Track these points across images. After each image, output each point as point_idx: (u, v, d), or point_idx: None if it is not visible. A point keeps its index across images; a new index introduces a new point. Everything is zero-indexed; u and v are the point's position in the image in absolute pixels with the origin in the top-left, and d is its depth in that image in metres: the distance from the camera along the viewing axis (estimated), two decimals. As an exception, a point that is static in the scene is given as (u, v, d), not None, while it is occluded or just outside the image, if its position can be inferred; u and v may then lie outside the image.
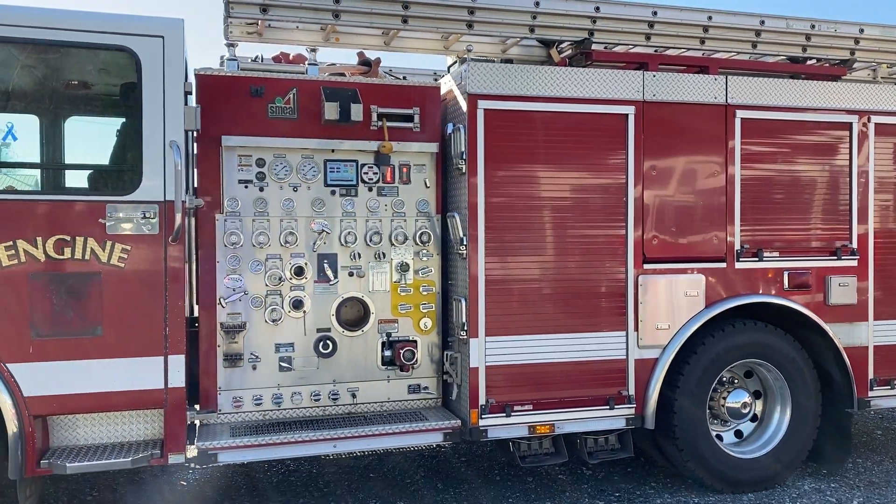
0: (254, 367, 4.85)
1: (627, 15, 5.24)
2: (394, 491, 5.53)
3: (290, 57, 5.67)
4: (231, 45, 4.92)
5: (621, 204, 5.17)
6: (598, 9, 5.13)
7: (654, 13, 5.29)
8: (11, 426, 4.08)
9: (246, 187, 4.84)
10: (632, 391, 5.21)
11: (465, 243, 4.90)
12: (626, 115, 5.17)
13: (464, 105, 4.90)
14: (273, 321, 4.86)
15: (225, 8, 4.54)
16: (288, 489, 5.60)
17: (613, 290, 5.18)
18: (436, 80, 5.91)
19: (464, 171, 4.90)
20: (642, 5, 5.27)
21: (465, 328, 4.91)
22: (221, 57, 5.55)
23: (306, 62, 5.36)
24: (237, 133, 4.76)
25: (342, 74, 5.25)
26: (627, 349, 5.22)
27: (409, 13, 4.80)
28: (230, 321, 4.80)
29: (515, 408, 4.98)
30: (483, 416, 4.92)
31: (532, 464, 5.18)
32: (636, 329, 5.20)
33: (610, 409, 5.17)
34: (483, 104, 4.88)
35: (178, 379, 4.39)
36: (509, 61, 5.61)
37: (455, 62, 5.56)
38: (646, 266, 5.22)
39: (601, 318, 5.16)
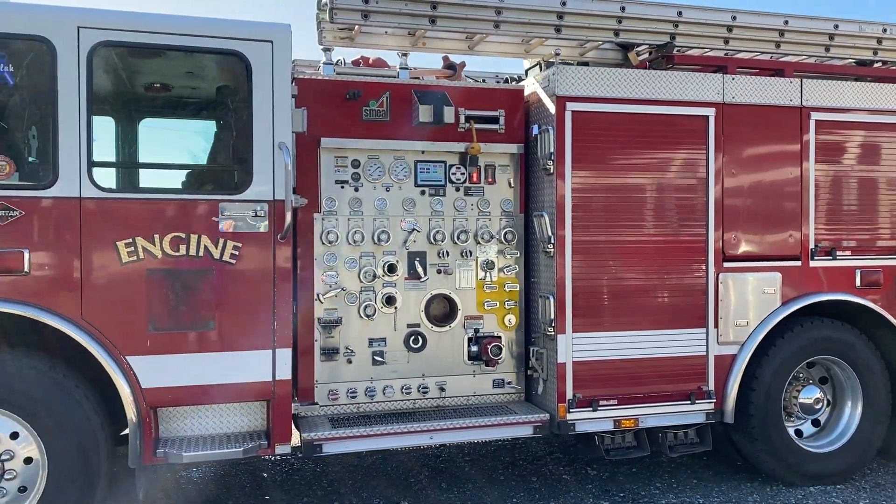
0: (349, 361, 5.00)
1: (708, 19, 5.37)
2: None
3: (370, 61, 5.81)
4: (327, 50, 5.08)
5: (702, 204, 5.31)
6: (680, 13, 5.27)
7: (734, 17, 5.42)
8: (131, 416, 4.23)
9: (342, 187, 5.00)
10: (711, 386, 5.34)
11: (552, 242, 5.04)
12: (707, 116, 5.30)
13: (551, 107, 5.05)
14: (367, 316, 5.01)
15: (328, 13, 4.69)
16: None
17: (694, 287, 5.31)
18: (498, 81, 6.07)
19: (552, 171, 5.04)
20: (722, 10, 5.40)
21: (553, 325, 5.04)
22: (293, 61, 5.71)
23: (390, 66, 5.54)
24: (333, 135, 4.92)
25: (417, 78, 5.39)
26: (707, 346, 5.34)
27: (501, 18, 4.95)
28: (327, 316, 4.96)
29: (601, 402, 5.11)
30: (570, 411, 5.05)
31: (616, 457, 5.31)
32: (716, 326, 5.32)
33: (691, 403, 5.30)
34: (571, 106, 5.02)
35: (284, 372, 4.54)
36: (585, 64, 5.74)
37: (535, 65, 5.68)
38: (725, 264, 5.35)
39: (682, 316, 5.29)
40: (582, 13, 5.07)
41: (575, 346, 5.08)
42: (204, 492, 5.56)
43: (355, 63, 5.75)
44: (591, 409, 5.09)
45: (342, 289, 4.96)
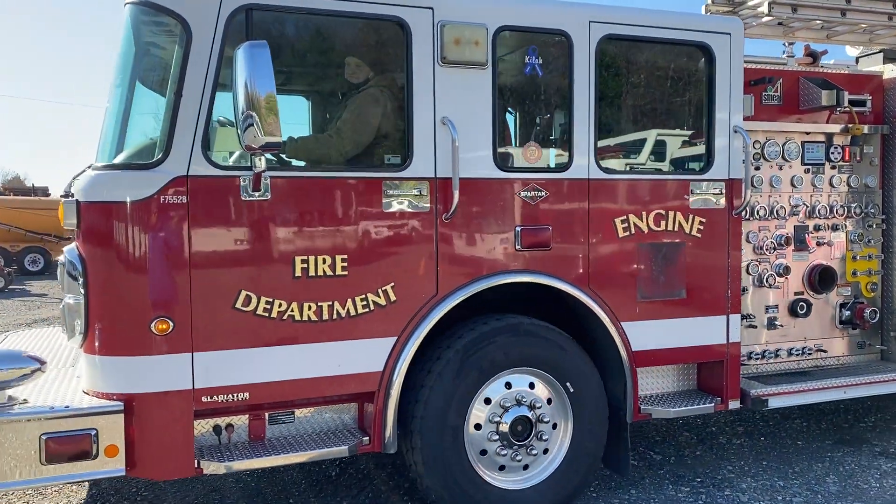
0: (751, 326, 5.47)
1: None
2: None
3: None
4: (732, 40, 5.48)
5: None
6: None
7: None
8: (628, 376, 4.68)
9: (746, 167, 5.45)
10: None
11: (938, 213, 5.55)
12: None
13: (931, 90, 5.54)
14: (767, 285, 5.49)
15: (767, 6, 5.10)
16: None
17: None
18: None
19: (937, 149, 5.55)
20: None
21: (932, 289, 5.57)
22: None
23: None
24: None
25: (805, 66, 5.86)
26: None
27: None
28: (734, 285, 5.42)
29: (972, 358, 5.67)
30: (947, 367, 5.61)
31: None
32: None
33: None
34: (952, 89, 5.52)
35: (736, 335, 5.01)
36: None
37: (871, 52, 6.14)
38: None
39: None
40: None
41: (950, 308, 5.62)
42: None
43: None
44: (964, 364, 5.64)
45: (752, 261, 5.42)
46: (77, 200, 3.78)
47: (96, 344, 3.81)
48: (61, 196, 4.22)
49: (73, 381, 4.17)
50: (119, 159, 3.97)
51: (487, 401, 4.38)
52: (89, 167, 4.40)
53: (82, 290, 3.78)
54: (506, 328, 4.41)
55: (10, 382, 3.65)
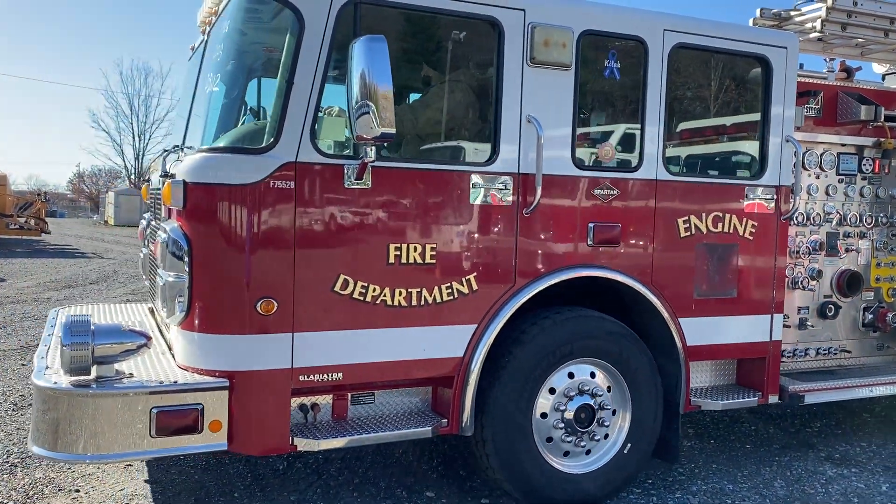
0: (785, 326, 5.75)
1: None
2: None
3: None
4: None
5: None
6: None
7: None
8: (682, 369, 4.92)
9: (785, 174, 5.74)
10: None
11: (967, 225, 5.93)
12: None
13: (958, 108, 5.90)
14: (801, 288, 5.79)
15: (820, 24, 5.38)
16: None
17: None
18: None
19: (959, 163, 5.91)
20: None
21: (952, 296, 5.94)
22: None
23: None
24: (784, 129, 5.63)
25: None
26: None
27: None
28: (770, 287, 5.72)
29: (984, 359, 6.06)
30: (964, 366, 5.99)
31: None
32: None
33: None
34: (975, 108, 5.89)
35: (778, 333, 5.28)
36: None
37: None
38: None
39: None
40: None
41: (968, 314, 6.01)
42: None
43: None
44: (979, 363, 6.03)
45: (788, 264, 5.71)
46: (184, 181, 3.86)
47: (196, 322, 3.91)
48: (161, 176, 4.28)
49: (161, 357, 4.25)
50: (225, 142, 4.07)
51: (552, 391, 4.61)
52: (175, 147, 4.50)
53: (186, 269, 3.87)
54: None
55: (116, 357, 3.74)
